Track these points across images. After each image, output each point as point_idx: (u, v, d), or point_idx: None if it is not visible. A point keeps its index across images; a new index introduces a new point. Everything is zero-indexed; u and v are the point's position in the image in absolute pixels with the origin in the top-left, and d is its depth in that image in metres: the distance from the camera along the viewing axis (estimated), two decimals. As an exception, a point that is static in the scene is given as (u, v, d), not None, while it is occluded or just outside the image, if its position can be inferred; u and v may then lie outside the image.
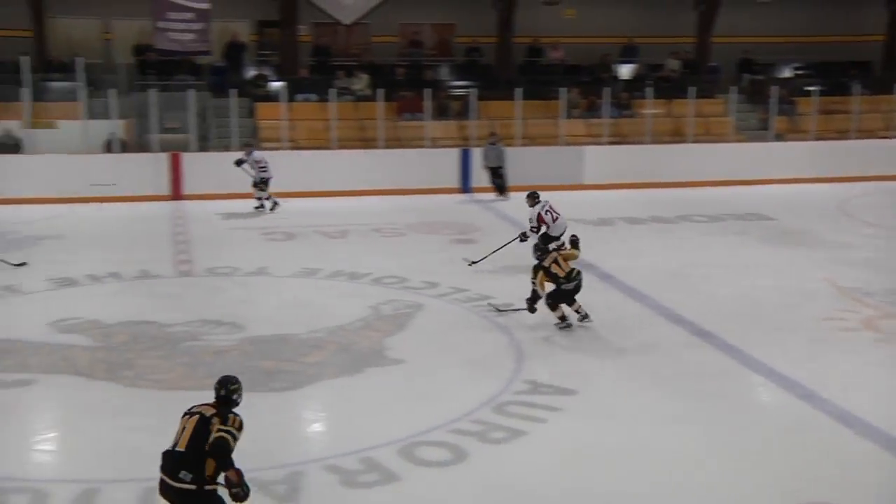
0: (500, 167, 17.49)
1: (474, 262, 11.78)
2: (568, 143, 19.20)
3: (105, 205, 16.24)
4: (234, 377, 5.38)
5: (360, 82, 19.85)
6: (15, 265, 11.63)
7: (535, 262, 9.62)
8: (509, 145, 18.35)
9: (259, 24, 21.99)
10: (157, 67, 18.92)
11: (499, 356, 8.76)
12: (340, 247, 13.42)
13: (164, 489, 4.92)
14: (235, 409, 5.17)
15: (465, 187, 18.13)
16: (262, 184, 15.89)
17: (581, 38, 22.60)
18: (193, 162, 16.80)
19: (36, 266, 11.89)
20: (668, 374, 8.30)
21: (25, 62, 17.01)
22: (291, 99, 18.79)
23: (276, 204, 16.04)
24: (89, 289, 11.00)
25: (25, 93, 16.98)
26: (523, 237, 11.63)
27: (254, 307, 10.30)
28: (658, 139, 19.78)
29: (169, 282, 11.47)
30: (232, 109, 17.79)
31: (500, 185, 17.50)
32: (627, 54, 22.61)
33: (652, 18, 23.22)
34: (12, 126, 17.08)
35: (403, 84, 20.06)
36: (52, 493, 5.98)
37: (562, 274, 9.28)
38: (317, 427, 7.59)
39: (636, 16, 23.22)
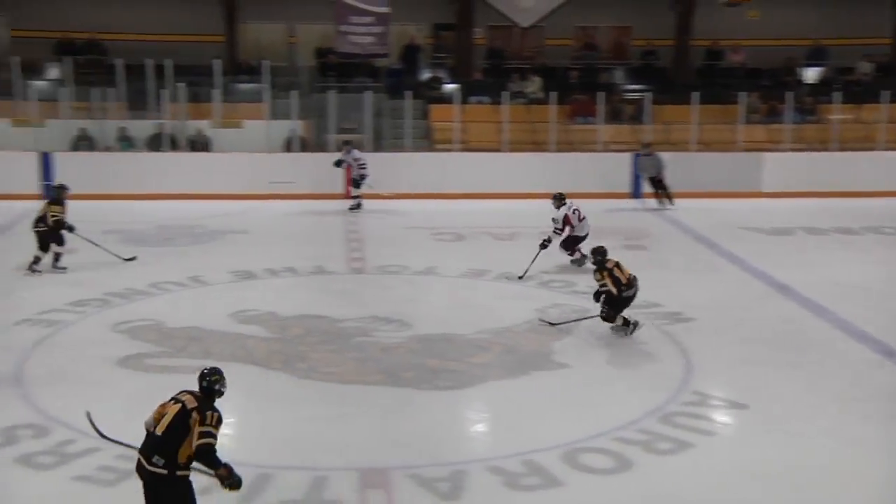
0: (658, 176, 17.04)
1: (520, 277, 11.54)
2: (746, 149, 18.56)
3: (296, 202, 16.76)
4: (215, 368, 5.28)
5: (533, 85, 19.86)
6: (126, 259, 12.11)
7: (594, 266, 9.45)
8: (684, 150, 17.92)
9: (435, 27, 22.38)
10: (337, 69, 19.61)
11: (667, 365, 8.58)
12: (509, 249, 13.45)
13: (140, 469, 5.08)
14: (218, 400, 5.20)
15: (636, 192, 17.80)
16: (360, 180, 16.13)
17: (763, 40, 21.78)
18: (368, 162, 17.20)
19: (219, 259, 12.51)
20: (847, 393, 7.89)
21: (217, 65, 18.01)
22: (465, 101, 18.99)
23: (360, 206, 16.23)
24: (267, 282, 11.46)
25: (216, 94, 17.92)
26: (545, 243, 11.69)
27: (421, 306, 10.50)
28: (845, 146, 18.79)
29: (342, 278, 11.82)
30: (406, 111, 18.16)
31: (664, 193, 17.05)
32: (814, 57, 21.59)
33: (842, 19, 22.08)
34: (203, 126, 18.08)
35: (576, 87, 19.91)
36: (228, 476, 6.25)
37: (623, 279, 9.15)
38: (480, 427, 7.63)
39: (825, 16, 22.17)
